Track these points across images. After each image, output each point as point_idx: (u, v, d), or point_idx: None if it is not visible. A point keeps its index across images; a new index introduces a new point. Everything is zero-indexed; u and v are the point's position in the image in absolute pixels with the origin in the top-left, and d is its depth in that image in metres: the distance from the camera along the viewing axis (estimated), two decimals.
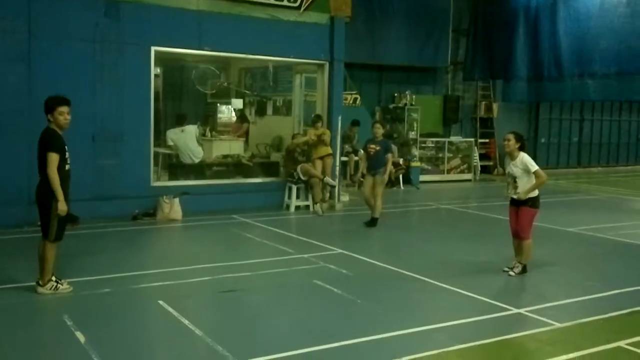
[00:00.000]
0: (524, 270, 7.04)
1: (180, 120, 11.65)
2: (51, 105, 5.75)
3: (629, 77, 14.49)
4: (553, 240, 9.27)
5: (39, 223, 5.86)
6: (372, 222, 9.76)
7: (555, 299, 6.19)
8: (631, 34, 14.03)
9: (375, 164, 9.75)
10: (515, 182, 6.95)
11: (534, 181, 6.85)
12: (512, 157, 6.99)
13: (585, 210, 12.58)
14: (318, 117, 11.57)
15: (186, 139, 11.29)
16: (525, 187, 6.87)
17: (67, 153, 5.77)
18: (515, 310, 5.75)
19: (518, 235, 7.06)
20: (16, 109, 8.84)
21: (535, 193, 6.95)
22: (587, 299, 6.25)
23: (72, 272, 6.26)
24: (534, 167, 6.86)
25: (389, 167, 9.74)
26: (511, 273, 7.01)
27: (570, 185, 16.93)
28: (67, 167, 5.78)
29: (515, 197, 6.98)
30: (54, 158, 5.60)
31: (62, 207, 5.65)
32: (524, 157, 6.93)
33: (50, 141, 5.66)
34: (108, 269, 6.75)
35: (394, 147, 15.12)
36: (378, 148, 9.70)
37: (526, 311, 5.73)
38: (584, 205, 13.34)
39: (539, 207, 7.05)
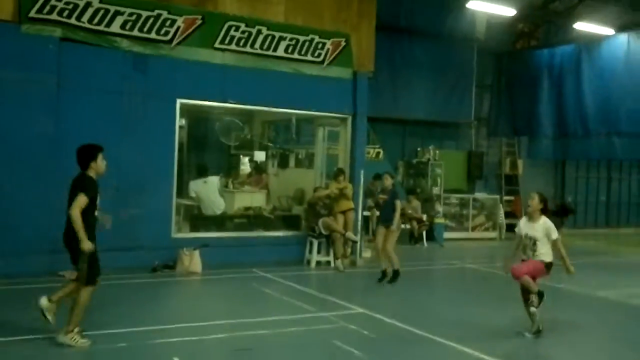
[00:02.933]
0: (541, 297, 6.77)
1: (202, 171, 11.68)
2: (95, 152, 5.84)
3: None
4: (581, 304, 8.97)
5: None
6: (394, 277, 9.54)
7: None
8: None
9: (385, 214, 9.68)
10: (535, 245, 6.75)
11: (550, 247, 6.71)
12: (533, 219, 6.80)
13: (614, 273, 12.17)
14: (340, 171, 11.52)
15: (209, 191, 11.30)
16: (547, 251, 6.69)
17: (98, 199, 5.82)
18: None
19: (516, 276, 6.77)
20: (42, 159, 8.97)
21: (551, 258, 6.76)
22: None
23: (88, 325, 6.11)
24: (555, 234, 6.70)
25: (398, 214, 9.57)
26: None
27: (599, 246, 16.51)
28: (96, 213, 5.81)
29: (541, 259, 6.78)
30: (82, 200, 5.59)
31: (86, 245, 5.57)
32: (547, 221, 6.75)
33: (86, 184, 5.69)
34: (125, 322, 6.64)
35: (418, 203, 15.08)
36: (386, 197, 9.65)
37: None
38: (613, 268, 12.93)
39: (550, 273, 6.87)
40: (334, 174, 11.67)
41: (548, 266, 6.79)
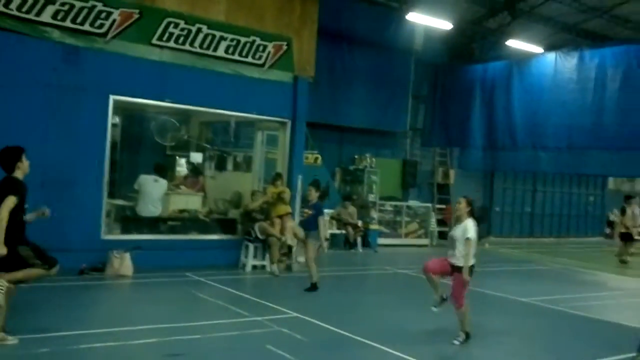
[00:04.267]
0: (468, 337, 6.92)
1: (159, 170, 11.24)
2: (19, 153, 5.86)
3: (579, 151, 14.81)
4: (504, 309, 9.27)
5: None
6: (311, 288, 9.39)
7: None
8: (581, 110, 14.43)
9: (306, 225, 9.63)
10: (454, 244, 6.94)
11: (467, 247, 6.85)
12: (460, 221, 7.04)
13: (537, 280, 12.65)
14: (278, 175, 11.45)
15: (156, 190, 10.89)
16: (461, 252, 6.84)
17: (26, 204, 5.78)
18: None
19: (436, 287, 7.02)
20: None
21: (472, 262, 6.91)
22: None
23: (9, 329, 5.78)
24: (469, 233, 6.83)
25: (322, 232, 9.47)
26: (455, 342, 6.87)
27: (523, 255, 17.14)
28: (25, 216, 5.82)
29: (453, 261, 6.94)
30: (11, 201, 5.57)
31: (2, 249, 5.52)
32: (468, 222, 6.94)
33: (15, 186, 5.70)
34: (48, 326, 6.32)
35: (354, 209, 15.18)
36: (311, 212, 9.53)
37: None
38: (536, 276, 13.43)
39: (472, 276, 6.98)
40: (271, 178, 11.58)
41: (465, 270, 6.85)
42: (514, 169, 18.99)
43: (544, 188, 22.87)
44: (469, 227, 6.86)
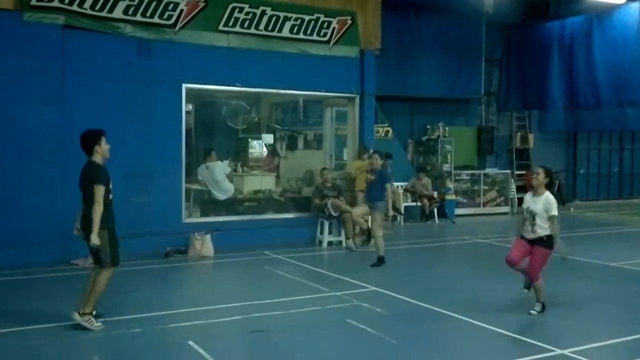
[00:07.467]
0: (543, 308, 6.72)
1: (206, 155, 11.54)
2: (98, 136, 5.95)
3: None
4: (595, 275, 8.92)
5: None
6: (377, 262, 9.17)
7: (600, 338, 5.86)
8: None
9: (371, 194, 9.34)
10: (534, 219, 6.66)
11: (549, 224, 6.61)
12: (538, 193, 6.75)
13: (628, 243, 12.09)
14: (365, 148, 11.33)
15: (212, 176, 11.18)
16: (543, 228, 6.60)
17: (111, 184, 5.94)
18: (558, 351, 5.43)
19: (526, 272, 6.76)
20: (50, 148, 8.99)
21: (548, 231, 6.65)
22: (633, 339, 5.88)
23: (103, 311, 6.19)
24: (554, 210, 6.58)
25: (389, 200, 9.19)
26: (532, 312, 6.68)
27: (612, 217, 16.39)
28: (110, 197, 5.94)
29: (532, 237, 6.68)
30: (101, 190, 5.76)
31: (94, 240, 5.74)
32: (549, 196, 6.67)
33: (97, 174, 5.83)
34: (139, 308, 6.68)
35: (428, 181, 14.98)
36: (373, 177, 9.23)
37: (570, 352, 5.40)
38: (627, 239, 12.84)
39: (552, 248, 6.71)
40: (357, 151, 11.56)
41: (548, 243, 6.63)
42: (598, 128, 18.08)
43: (631, 146, 21.58)
44: (552, 203, 6.60)
